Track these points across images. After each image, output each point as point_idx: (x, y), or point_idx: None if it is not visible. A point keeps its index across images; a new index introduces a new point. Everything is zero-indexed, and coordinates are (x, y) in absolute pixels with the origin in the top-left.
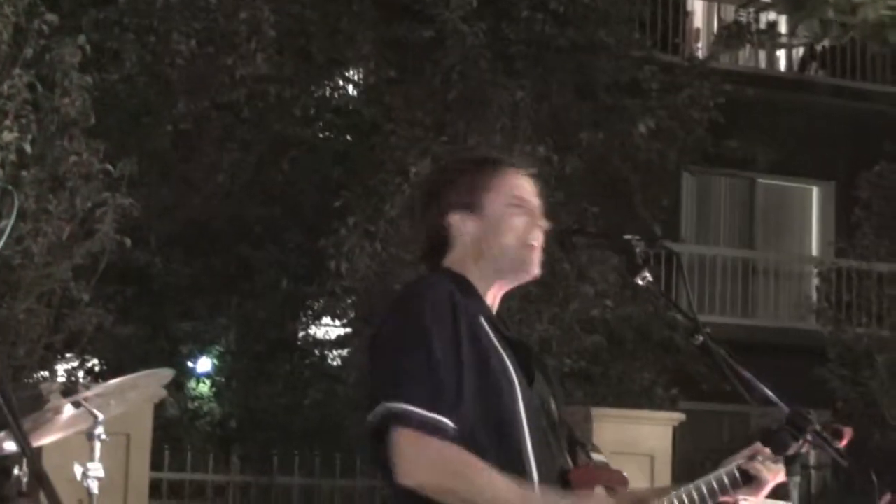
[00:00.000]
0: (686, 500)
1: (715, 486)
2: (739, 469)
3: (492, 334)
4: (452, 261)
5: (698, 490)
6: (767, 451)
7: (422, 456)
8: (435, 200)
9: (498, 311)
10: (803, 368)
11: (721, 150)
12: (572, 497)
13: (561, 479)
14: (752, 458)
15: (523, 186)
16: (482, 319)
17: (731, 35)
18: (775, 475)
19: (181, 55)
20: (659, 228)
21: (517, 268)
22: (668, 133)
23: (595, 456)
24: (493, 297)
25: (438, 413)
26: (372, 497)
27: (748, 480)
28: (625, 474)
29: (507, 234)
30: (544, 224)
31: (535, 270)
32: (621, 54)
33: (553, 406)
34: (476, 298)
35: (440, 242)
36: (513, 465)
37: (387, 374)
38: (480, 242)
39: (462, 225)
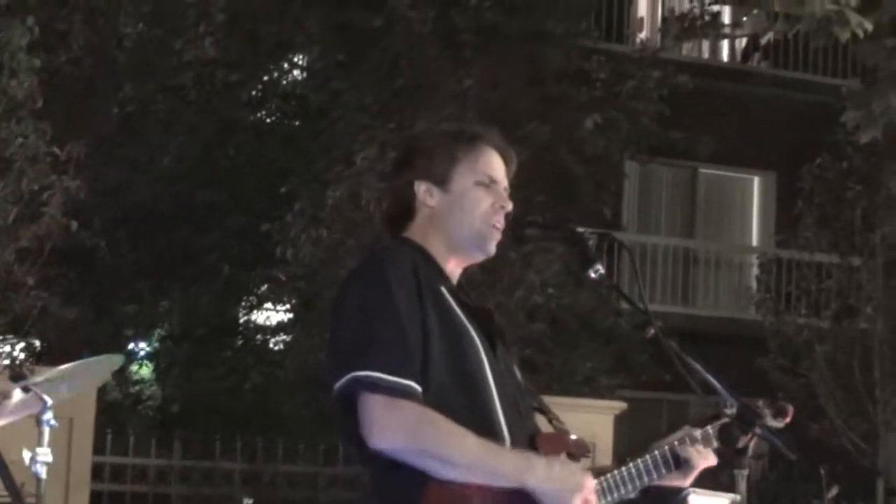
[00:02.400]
0: (619, 482)
1: (650, 466)
2: (671, 451)
3: (453, 303)
4: (413, 230)
5: (629, 472)
6: (698, 434)
7: (392, 418)
8: (406, 166)
9: (459, 281)
10: (743, 358)
11: (664, 140)
12: (545, 458)
13: (529, 444)
14: (682, 441)
15: (494, 165)
16: (443, 288)
17: (683, 29)
18: (705, 460)
19: (129, 37)
20: (604, 216)
21: (473, 247)
22: (613, 124)
23: (557, 424)
24: (451, 268)
25: (406, 378)
26: (314, 482)
27: (679, 465)
28: (587, 442)
29: (469, 213)
30: (508, 206)
31: (492, 251)
32: (569, 43)
33: (517, 372)
34: (435, 269)
35: (404, 209)
36: (485, 428)
37: (351, 341)
38: (441, 217)
39: (426, 196)
